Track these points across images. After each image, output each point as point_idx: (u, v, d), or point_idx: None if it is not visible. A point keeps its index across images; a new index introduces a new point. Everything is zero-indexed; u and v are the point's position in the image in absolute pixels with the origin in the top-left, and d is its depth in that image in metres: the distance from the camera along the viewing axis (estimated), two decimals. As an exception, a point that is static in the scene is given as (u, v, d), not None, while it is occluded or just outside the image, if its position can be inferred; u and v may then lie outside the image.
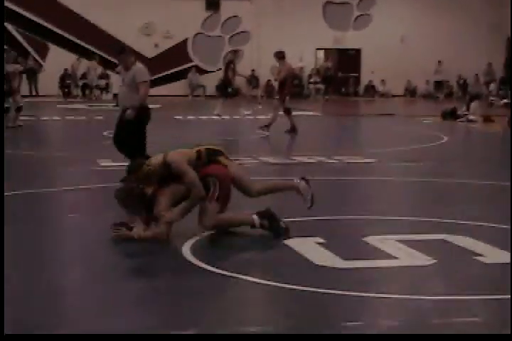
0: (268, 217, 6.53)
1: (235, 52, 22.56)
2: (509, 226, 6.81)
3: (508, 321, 4.39)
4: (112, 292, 5.13)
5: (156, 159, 6.47)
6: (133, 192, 6.40)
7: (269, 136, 15.92)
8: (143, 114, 9.36)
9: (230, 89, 21.25)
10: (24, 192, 8.73)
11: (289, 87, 16.94)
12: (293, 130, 16.19)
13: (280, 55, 16.77)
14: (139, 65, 9.43)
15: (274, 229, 6.52)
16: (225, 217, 6.54)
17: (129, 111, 9.20)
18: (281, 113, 16.34)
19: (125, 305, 4.83)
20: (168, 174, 6.39)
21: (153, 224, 6.35)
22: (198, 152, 6.64)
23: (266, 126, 16.17)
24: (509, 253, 5.89)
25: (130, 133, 9.23)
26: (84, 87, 30.65)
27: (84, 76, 30.51)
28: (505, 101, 25.32)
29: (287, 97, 16.40)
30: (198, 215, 6.47)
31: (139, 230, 6.29)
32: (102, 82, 30.63)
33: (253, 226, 6.54)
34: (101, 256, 6.02)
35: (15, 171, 10.62)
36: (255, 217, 6.55)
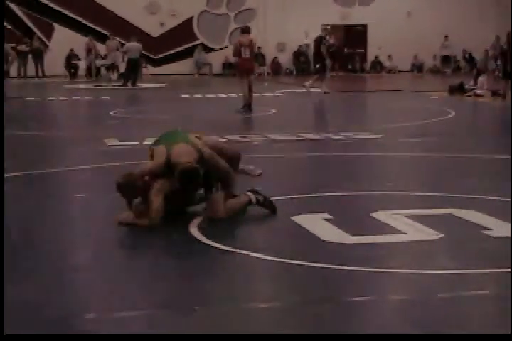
0: (259, 193, 6.53)
1: (326, 29, 22.42)
2: (517, 200, 6.80)
3: (516, 294, 4.40)
4: (120, 270, 5.15)
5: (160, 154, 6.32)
6: (134, 181, 6.24)
7: (275, 113, 15.90)
8: None
9: (317, 65, 21.45)
10: (32, 172, 8.75)
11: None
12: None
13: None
14: None
15: (268, 204, 6.51)
16: (231, 204, 6.44)
17: None
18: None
19: (133, 283, 4.85)
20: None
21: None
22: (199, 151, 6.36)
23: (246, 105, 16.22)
24: (517, 227, 5.89)
25: None
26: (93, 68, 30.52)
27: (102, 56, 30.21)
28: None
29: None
30: (208, 206, 6.38)
31: (127, 215, 6.23)
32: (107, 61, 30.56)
33: (250, 203, 6.52)
34: (109, 235, 6.04)
35: (22, 151, 10.64)
36: (250, 194, 6.53)
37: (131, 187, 6.22)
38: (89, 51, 29.99)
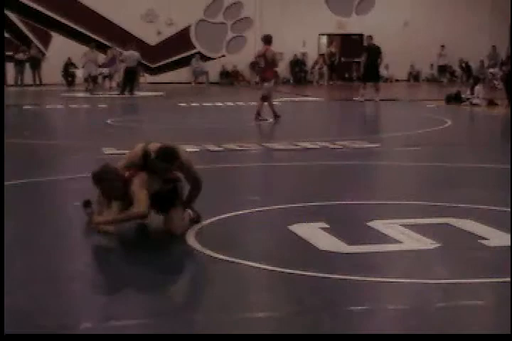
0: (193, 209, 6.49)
1: (371, 37, 22.37)
2: (513, 210, 6.81)
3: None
4: (116, 278, 5.15)
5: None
6: (114, 175, 6.10)
7: (272, 122, 15.93)
8: None
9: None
10: (29, 180, 8.75)
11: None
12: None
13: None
14: None
15: (198, 220, 6.48)
16: (185, 221, 6.33)
17: None
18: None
19: (130, 291, 4.85)
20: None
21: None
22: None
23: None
24: (513, 237, 5.90)
25: None
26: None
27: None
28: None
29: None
30: (167, 223, 6.22)
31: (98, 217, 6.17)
32: (106, 70, 30.54)
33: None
34: (105, 244, 6.04)
35: (20, 160, 10.64)
36: (189, 211, 6.46)
37: (109, 179, 6.03)
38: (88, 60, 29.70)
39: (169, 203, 6.23)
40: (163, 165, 6.07)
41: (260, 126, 15.67)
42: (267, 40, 16.39)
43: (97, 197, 6.36)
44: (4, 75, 12.98)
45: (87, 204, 6.65)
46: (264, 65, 16.32)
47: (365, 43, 22.67)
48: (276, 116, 16.21)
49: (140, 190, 5.97)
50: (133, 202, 5.98)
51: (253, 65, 31.00)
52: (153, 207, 6.18)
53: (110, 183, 6.03)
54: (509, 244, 5.73)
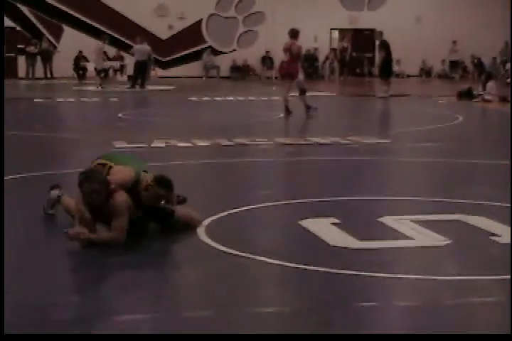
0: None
1: (381, 33, 22.25)
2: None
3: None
4: (127, 273, 5.15)
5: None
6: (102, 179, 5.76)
7: (283, 117, 15.90)
8: None
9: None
10: (40, 173, 8.76)
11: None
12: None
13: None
14: None
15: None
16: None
17: None
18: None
19: (140, 286, 4.85)
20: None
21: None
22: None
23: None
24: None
25: None
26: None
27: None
28: None
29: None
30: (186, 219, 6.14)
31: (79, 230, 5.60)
32: (116, 64, 30.58)
33: None
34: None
35: (30, 153, 10.66)
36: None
37: (97, 181, 5.64)
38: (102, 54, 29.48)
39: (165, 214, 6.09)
40: (161, 192, 5.88)
41: (271, 121, 15.64)
42: (294, 34, 16.30)
43: (76, 206, 5.87)
44: (4, 72, 12.74)
45: (54, 187, 6.46)
46: (290, 59, 16.25)
47: (376, 39, 22.49)
48: (287, 111, 16.17)
49: (125, 214, 5.68)
50: (112, 218, 5.66)
51: (264, 60, 31.05)
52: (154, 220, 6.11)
53: (96, 185, 5.62)
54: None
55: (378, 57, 22.00)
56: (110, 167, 5.98)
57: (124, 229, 5.68)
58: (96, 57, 26.14)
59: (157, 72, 31.14)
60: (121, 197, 5.71)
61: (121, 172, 5.90)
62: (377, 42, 22.99)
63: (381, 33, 22.03)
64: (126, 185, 5.84)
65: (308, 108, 16.06)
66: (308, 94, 16.67)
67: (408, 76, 33.55)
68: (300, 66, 16.73)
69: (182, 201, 6.42)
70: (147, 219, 6.05)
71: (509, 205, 6.97)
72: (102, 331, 4.02)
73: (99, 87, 25.12)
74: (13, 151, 10.44)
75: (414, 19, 33.21)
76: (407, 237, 5.87)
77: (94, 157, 6.30)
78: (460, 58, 33.84)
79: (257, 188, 8.03)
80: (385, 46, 21.48)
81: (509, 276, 4.88)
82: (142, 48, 25.43)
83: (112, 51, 30.36)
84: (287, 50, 16.17)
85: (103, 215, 5.72)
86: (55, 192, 6.48)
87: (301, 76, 16.36)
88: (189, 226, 6.06)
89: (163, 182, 5.89)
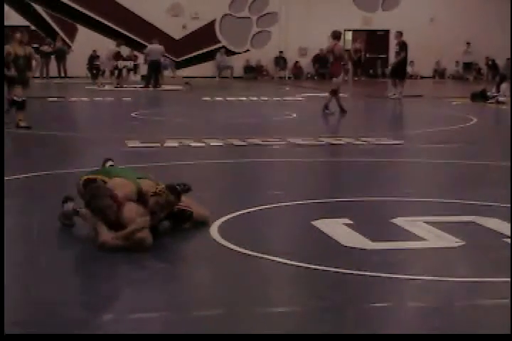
0: None
1: (401, 33, 22.12)
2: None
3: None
4: (138, 271, 5.16)
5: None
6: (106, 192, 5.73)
7: (295, 118, 15.88)
8: None
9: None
10: (54, 172, 8.79)
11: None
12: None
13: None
14: None
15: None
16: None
17: None
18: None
19: (151, 284, 4.85)
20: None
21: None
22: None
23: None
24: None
25: None
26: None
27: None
28: None
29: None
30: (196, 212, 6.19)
31: (106, 236, 5.55)
32: (130, 63, 30.57)
33: None
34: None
35: (44, 152, 10.68)
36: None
37: (101, 195, 5.64)
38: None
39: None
40: (171, 198, 5.89)
41: (284, 122, 15.63)
42: (336, 35, 16.90)
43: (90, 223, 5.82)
44: (4, 72, 12.71)
45: (67, 200, 6.25)
46: (333, 60, 16.86)
47: (395, 39, 22.37)
48: (342, 111, 16.44)
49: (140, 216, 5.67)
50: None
51: (277, 60, 31.02)
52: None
53: (106, 201, 5.60)
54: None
55: (396, 57, 21.91)
56: (104, 182, 5.96)
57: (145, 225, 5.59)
58: (106, 60, 26.23)
59: (175, 72, 30.87)
60: (131, 208, 5.72)
61: (122, 185, 5.88)
62: (394, 43, 22.95)
63: (401, 33, 21.90)
64: (131, 196, 5.84)
65: (326, 107, 16.45)
66: (340, 95, 17.03)
67: (422, 77, 33.47)
68: (342, 67, 17.28)
69: (187, 190, 6.29)
70: (161, 220, 6.06)
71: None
72: (113, 330, 4.03)
73: (116, 87, 25.19)
74: (27, 150, 10.48)
75: (428, 20, 33.12)
76: (419, 238, 5.85)
77: (109, 155, 6.31)
78: (474, 60, 33.74)
79: (269, 188, 8.03)
80: (405, 47, 21.42)
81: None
82: (155, 48, 25.47)
83: (125, 51, 30.36)
84: (330, 51, 16.62)
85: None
86: (69, 205, 6.21)
87: (340, 77, 16.67)
88: (198, 223, 6.09)
89: (175, 191, 5.90)
